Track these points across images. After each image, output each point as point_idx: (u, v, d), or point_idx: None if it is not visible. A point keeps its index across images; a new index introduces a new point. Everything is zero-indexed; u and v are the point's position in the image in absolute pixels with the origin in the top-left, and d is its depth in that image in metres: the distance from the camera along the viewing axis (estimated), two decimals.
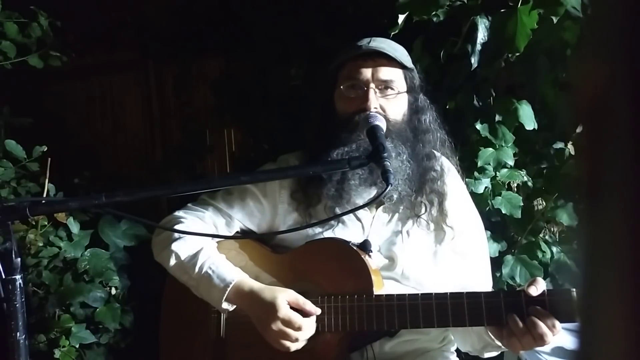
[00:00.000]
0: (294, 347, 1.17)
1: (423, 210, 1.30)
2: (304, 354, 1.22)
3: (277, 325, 1.17)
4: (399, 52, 1.33)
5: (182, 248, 1.28)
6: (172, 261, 1.28)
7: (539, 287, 1.10)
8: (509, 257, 1.76)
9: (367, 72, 1.29)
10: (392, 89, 1.30)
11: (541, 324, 1.06)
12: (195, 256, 1.27)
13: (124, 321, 2.11)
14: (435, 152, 1.36)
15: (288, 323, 1.16)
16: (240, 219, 1.37)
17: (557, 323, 1.07)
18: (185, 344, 1.36)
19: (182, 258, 1.27)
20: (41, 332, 1.99)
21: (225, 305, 1.23)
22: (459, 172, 1.42)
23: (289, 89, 2.37)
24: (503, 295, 1.12)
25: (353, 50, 1.32)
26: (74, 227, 2.07)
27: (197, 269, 1.25)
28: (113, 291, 2.12)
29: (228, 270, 1.25)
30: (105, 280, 2.09)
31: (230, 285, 1.22)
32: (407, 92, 1.34)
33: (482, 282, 1.34)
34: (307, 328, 1.18)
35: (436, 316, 1.13)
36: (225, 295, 1.22)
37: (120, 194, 0.98)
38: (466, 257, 1.32)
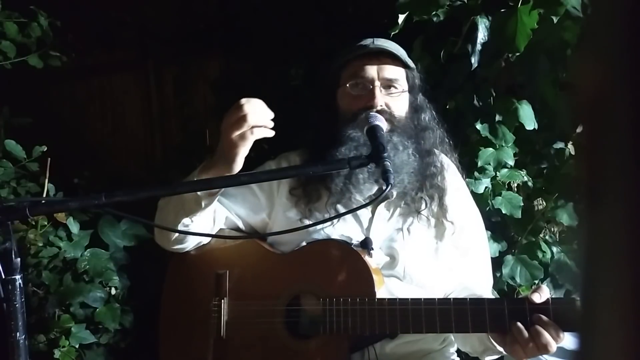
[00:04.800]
0: (247, 125, 1.11)
1: (423, 206, 1.30)
2: (304, 355, 1.22)
3: (225, 124, 1.12)
4: (401, 52, 1.35)
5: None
6: (157, 217, 1.30)
7: (543, 294, 1.08)
8: (509, 257, 1.76)
9: (372, 71, 1.30)
10: (396, 87, 1.32)
11: (545, 334, 1.05)
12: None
13: (123, 321, 2.11)
14: (434, 149, 1.37)
15: (229, 113, 1.12)
16: (236, 212, 1.37)
17: (561, 332, 1.06)
18: (185, 343, 1.35)
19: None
20: (41, 332, 1.98)
21: (201, 193, 1.19)
22: (458, 169, 1.43)
23: (289, 89, 2.37)
24: (507, 302, 1.11)
25: (357, 49, 1.33)
26: (74, 227, 2.07)
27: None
28: (113, 291, 2.11)
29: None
30: (105, 280, 2.08)
31: (196, 172, 1.20)
32: (409, 91, 1.36)
33: (483, 280, 1.34)
34: (247, 109, 1.11)
35: (439, 322, 1.12)
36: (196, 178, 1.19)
37: (120, 194, 0.98)
38: (467, 253, 1.33)
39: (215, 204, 1.29)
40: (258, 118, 1.12)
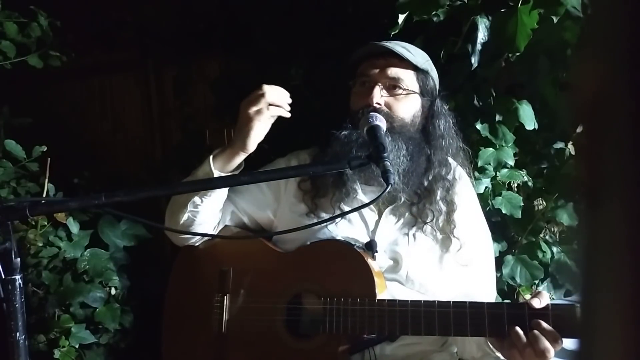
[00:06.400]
0: (265, 101, 1.19)
1: (430, 217, 1.29)
2: (304, 355, 1.22)
3: (244, 102, 1.21)
4: (413, 54, 1.33)
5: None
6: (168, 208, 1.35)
7: (542, 300, 1.08)
8: (509, 257, 1.76)
9: (375, 70, 1.31)
10: (400, 87, 1.31)
11: (544, 339, 1.04)
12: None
13: (123, 321, 2.11)
14: (449, 159, 1.35)
15: (249, 98, 1.21)
16: (242, 207, 1.38)
17: (559, 339, 1.05)
18: (187, 338, 1.36)
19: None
20: (41, 332, 1.98)
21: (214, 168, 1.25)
22: (471, 179, 1.42)
23: (289, 89, 2.37)
24: (506, 307, 1.10)
25: (367, 49, 1.33)
26: (74, 227, 2.07)
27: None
28: (113, 291, 2.11)
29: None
30: (105, 280, 2.08)
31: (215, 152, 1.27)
32: (420, 94, 1.34)
33: (486, 291, 1.33)
34: (266, 88, 1.21)
35: (438, 324, 1.12)
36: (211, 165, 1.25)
37: (120, 194, 0.98)
38: (471, 264, 1.32)
39: (226, 191, 1.30)
40: (275, 97, 1.20)
